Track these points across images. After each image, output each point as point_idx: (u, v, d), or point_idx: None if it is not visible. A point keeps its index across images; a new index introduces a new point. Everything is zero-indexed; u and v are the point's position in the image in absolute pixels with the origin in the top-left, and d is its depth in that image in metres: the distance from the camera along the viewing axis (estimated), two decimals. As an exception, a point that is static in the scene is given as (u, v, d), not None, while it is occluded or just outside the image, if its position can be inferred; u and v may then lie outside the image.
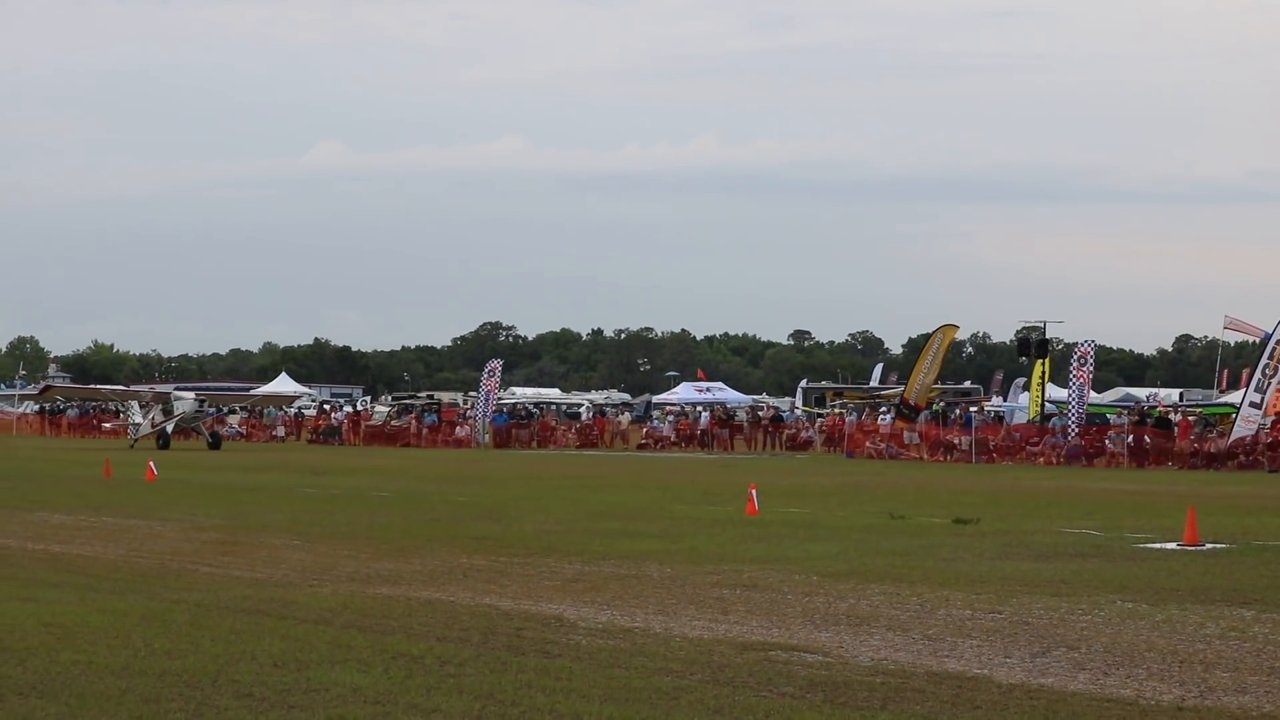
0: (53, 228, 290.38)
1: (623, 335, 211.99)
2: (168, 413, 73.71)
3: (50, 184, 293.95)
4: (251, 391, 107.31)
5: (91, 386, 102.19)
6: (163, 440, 71.84)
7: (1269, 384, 55.98)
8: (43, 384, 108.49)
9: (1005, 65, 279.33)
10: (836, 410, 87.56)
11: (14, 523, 28.44)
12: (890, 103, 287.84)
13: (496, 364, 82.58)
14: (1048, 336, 70.24)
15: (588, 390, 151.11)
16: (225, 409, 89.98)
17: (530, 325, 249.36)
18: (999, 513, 31.13)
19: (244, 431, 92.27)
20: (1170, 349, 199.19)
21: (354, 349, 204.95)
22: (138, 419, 76.68)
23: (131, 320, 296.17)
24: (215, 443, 73.41)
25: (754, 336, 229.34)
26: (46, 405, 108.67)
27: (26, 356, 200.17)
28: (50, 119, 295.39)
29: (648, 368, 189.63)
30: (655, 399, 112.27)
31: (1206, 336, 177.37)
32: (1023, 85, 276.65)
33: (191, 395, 77.13)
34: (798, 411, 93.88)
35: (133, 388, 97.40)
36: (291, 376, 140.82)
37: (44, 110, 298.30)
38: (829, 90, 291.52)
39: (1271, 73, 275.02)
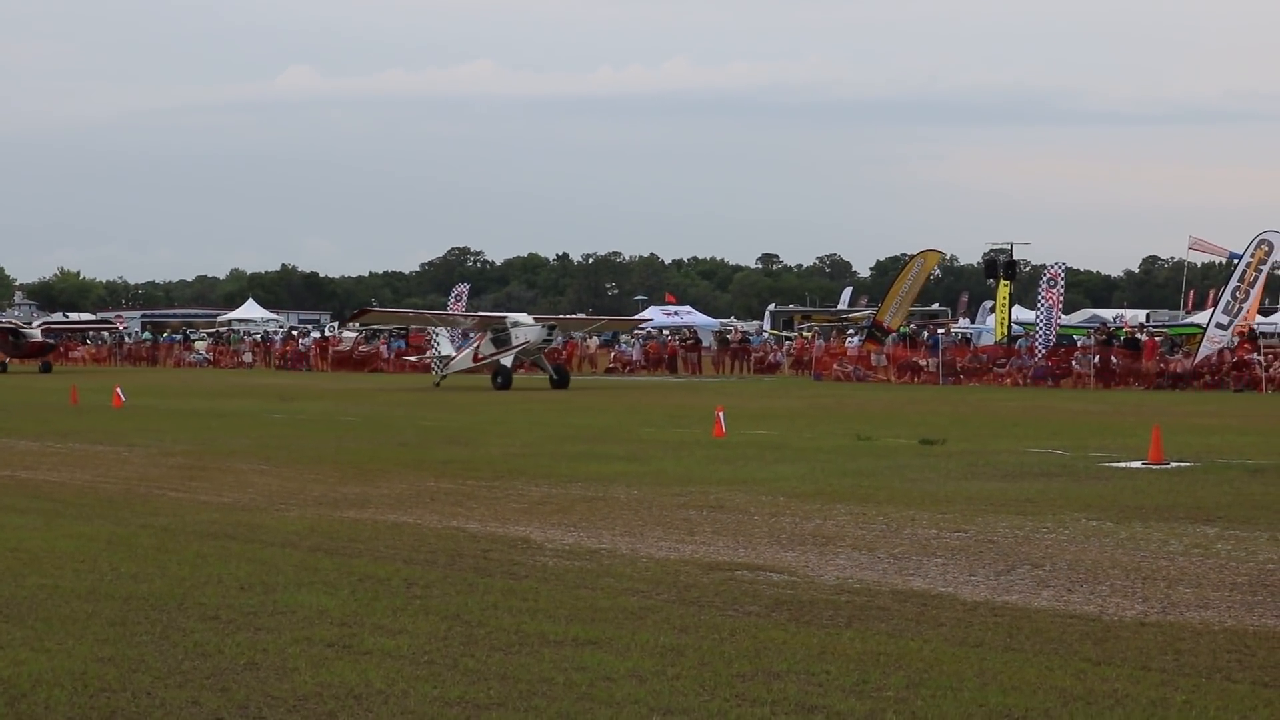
0: (16, 153, 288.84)
1: (591, 260, 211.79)
2: (501, 343, 58.45)
3: (14, 109, 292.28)
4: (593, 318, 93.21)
5: (407, 311, 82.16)
6: (502, 378, 56.91)
7: (1238, 306, 56.21)
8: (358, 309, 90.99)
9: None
10: (804, 333, 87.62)
11: (-20, 450, 28.36)
12: (865, 25, 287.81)
13: (463, 288, 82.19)
14: (1015, 259, 70.33)
15: (556, 315, 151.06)
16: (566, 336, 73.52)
17: (498, 250, 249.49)
18: (965, 433, 31.24)
19: (211, 358, 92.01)
20: (1137, 270, 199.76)
21: (321, 275, 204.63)
22: (447, 350, 63.09)
23: (98, 247, 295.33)
24: (561, 379, 58.57)
25: (722, 260, 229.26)
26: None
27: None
28: (14, 42, 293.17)
29: (616, 292, 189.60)
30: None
31: (1173, 258, 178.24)
32: (997, 6, 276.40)
33: (530, 319, 61.25)
34: (765, 334, 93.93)
35: (452, 313, 76.12)
36: (259, 303, 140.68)
37: (7, 33, 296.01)
38: (803, 12, 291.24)
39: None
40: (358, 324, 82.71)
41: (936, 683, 9.62)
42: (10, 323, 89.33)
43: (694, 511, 18.29)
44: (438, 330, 65.22)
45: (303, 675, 9.86)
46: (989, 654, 10.42)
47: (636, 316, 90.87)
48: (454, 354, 62.52)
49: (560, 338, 64.67)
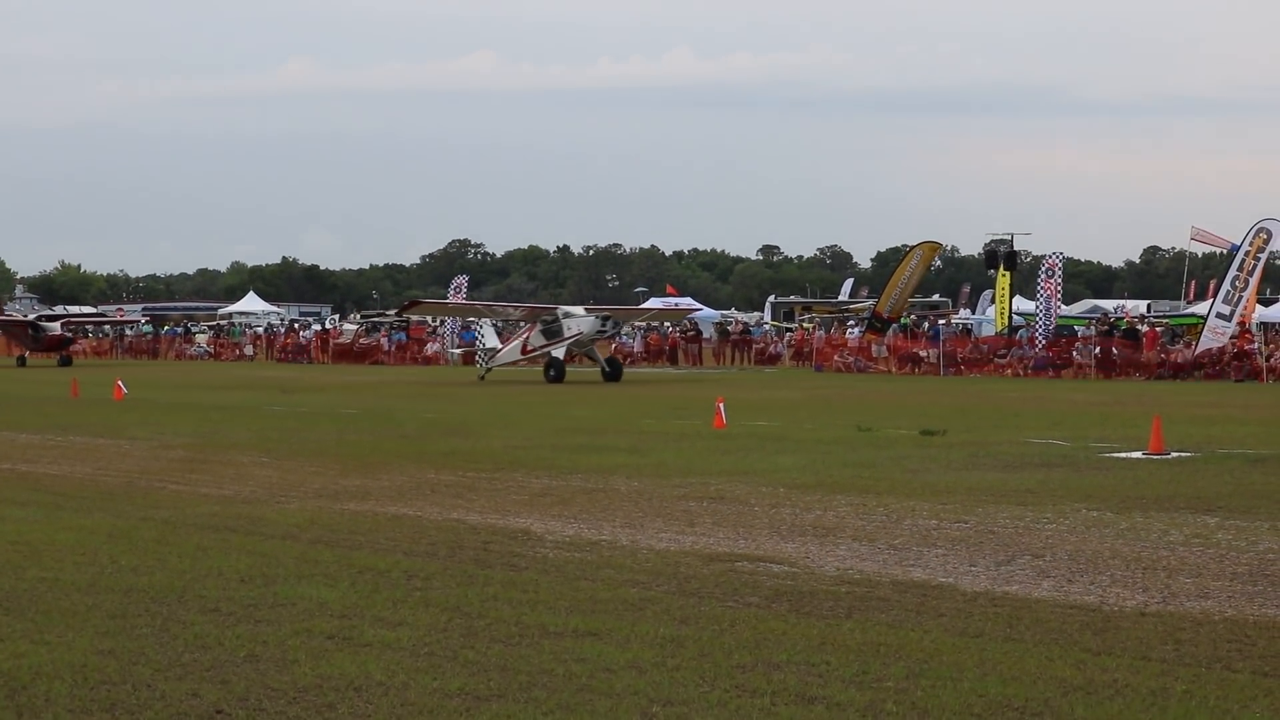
0: (17, 148, 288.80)
1: (591, 251, 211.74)
2: (552, 334, 56.70)
3: (14, 101, 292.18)
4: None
5: (456, 302, 76.20)
6: (555, 370, 54.87)
7: (1238, 296, 56.18)
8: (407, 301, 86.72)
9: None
10: (805, 324, 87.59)
11: (-20, 443, 28.35)
12: (867, 16, 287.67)
13: (462, 280, 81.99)
14: (1015, 249, 70.29)
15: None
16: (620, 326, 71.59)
17: (499, 242, 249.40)
18: (966, 424, 31.22)
19: (212, 350, 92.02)
20: (1138, 260, 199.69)
21: (322, 268, 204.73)
22: (493, 342, 60.82)
23: (98, 240, 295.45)
24: (614, 371, 56.68)
25: (723, 252, 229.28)
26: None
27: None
28: (14, 38, 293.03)
29: (617, 284, 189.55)
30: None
31: (1174, 248, 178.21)
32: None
33: (582, 310, 59.13)
34: (766, 326, 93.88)
35: (497, 304, 76.24)
36: (260, 296, 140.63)
37: (7, 26, 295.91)
38: (805, 3, 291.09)
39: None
40: (409, 315, 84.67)
41: (937, 673, 9.61)
42: (29, 316, 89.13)
43: (694, 503, 18.27)
44: (483, 321, 63.32)
45: (303, 667, 9.85)
46: (989, 644, 10.41)
47: (686, 306, 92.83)
48: (500, 345, 60.39)
49: (614, 329, 61.81)
